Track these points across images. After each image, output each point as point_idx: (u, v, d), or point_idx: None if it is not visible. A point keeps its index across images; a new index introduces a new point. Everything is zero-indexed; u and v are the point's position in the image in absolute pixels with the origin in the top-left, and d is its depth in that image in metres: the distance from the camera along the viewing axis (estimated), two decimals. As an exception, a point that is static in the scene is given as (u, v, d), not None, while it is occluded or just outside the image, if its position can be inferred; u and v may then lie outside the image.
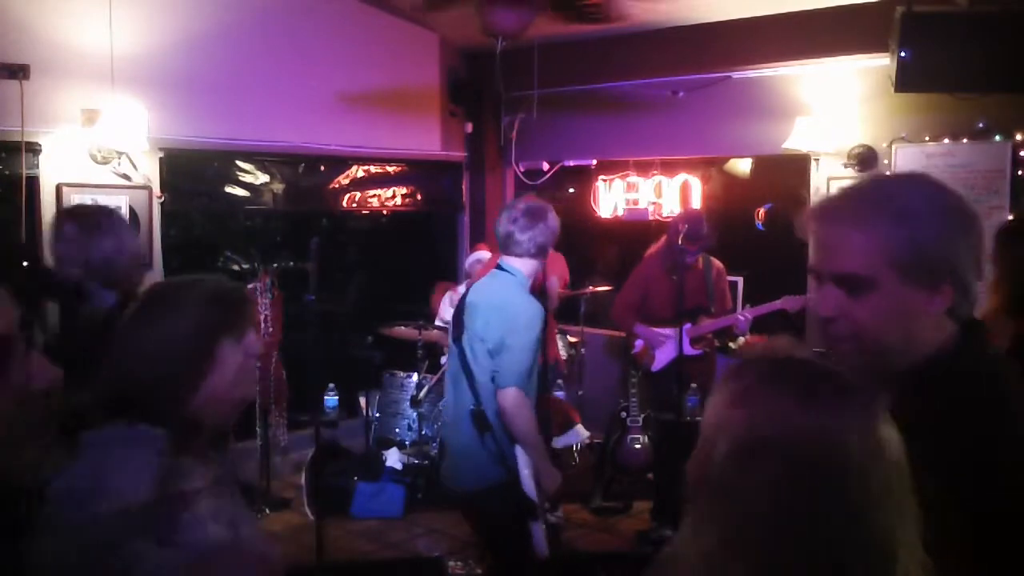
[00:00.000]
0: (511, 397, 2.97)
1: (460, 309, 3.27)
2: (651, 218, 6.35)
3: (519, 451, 3.04)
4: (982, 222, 1.31)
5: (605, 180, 6.60)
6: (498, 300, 3.11)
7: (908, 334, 1.28)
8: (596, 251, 7.74)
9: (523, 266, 3.18)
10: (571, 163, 6.80)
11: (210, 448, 1.58)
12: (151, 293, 1.59)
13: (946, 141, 4.77)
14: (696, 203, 6.13)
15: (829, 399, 0.94)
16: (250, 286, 5.01)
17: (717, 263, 4.98)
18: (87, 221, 2.83)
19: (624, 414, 5.13)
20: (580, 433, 5.57)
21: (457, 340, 3.21)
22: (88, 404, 1.45)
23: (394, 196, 6.51)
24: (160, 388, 1.47)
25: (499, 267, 3.22)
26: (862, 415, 0.94)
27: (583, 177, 7.02)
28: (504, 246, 3.19)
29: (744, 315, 4.77)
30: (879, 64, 4.63)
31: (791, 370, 0.99)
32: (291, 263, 5.72)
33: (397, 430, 5.41)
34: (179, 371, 1.47)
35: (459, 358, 3.17)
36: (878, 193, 1.30)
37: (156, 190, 5.22)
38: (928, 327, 1.28)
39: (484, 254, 5.91)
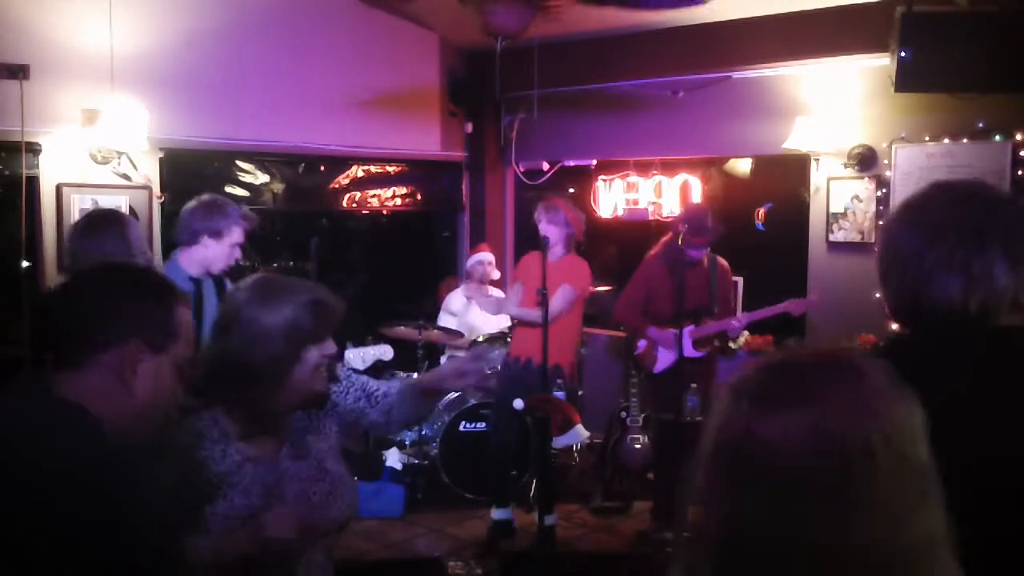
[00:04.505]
0: None
1: None
2: (651, 218, 6.33)
3: None
4: (955, 228, 1.42)
5: (605, 180, 6.59)
6: None
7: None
8: (596, 251, 7.73)
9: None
10: (571, 163, 6.79)
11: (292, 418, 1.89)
12: (258, 287, 1.80)
13: (946, 141, 4.76)
14: (697, 201, 6.12)
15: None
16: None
17: (723, 262, 4.91)
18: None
19: (624, 414, 5.13)
20: (580, 433, 5.52)
21: None
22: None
23: (394, 196, 6.51)
24: (252, 375, 1.73)
25: None
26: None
27: (583, 177, 7.01)
28: None
29: (737, 320, 4.74)
30: (879, 64, 4.62)
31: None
32: (291, 263, 5.72)
33: (397, 430, 5.42)
34: (269, 365, 1.73)
35: None
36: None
37: (156, 190, 5.22)
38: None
39: (486, 255, 5.92)
